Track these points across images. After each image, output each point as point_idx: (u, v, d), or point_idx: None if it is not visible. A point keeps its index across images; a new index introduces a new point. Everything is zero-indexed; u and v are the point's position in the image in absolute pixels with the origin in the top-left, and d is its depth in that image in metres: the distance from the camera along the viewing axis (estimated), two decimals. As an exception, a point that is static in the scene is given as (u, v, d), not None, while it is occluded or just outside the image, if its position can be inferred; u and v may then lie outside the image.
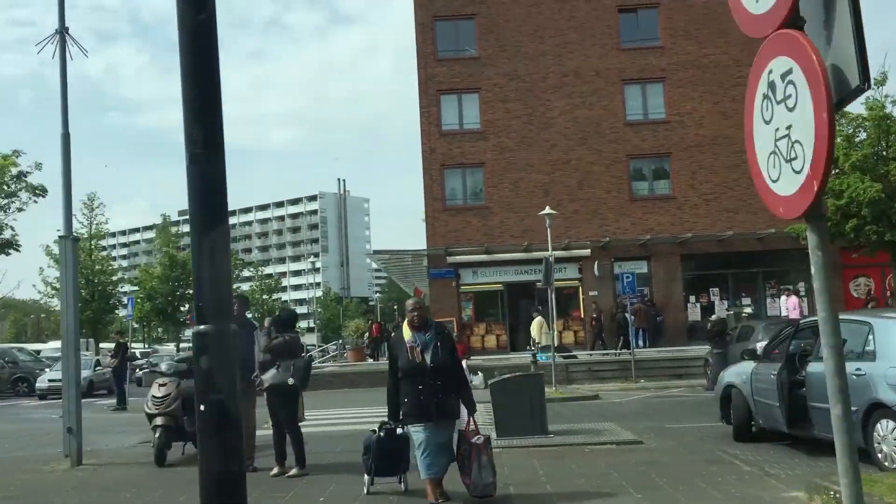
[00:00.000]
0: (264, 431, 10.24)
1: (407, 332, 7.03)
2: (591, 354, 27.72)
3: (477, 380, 21.35)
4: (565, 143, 31.44)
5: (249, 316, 14.19)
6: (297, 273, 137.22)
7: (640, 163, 31.88)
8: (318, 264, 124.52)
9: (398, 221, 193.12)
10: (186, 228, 17.17)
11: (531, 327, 27.95)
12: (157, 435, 10.09)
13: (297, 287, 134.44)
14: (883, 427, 7.63)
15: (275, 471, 9.03)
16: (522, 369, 18.02)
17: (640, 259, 30.94)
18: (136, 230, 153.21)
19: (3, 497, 8.36)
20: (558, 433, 10.97)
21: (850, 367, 7.85)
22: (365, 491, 7.55)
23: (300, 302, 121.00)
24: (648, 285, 30.96)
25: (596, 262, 30.57)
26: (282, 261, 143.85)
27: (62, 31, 10.91)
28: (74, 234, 11.43)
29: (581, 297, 31.29)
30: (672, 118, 31.53)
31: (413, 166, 42.66)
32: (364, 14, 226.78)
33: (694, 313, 31.15)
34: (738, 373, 10.62)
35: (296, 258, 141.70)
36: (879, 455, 7.62)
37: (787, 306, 25.74)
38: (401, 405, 6.95)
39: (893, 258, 24.15)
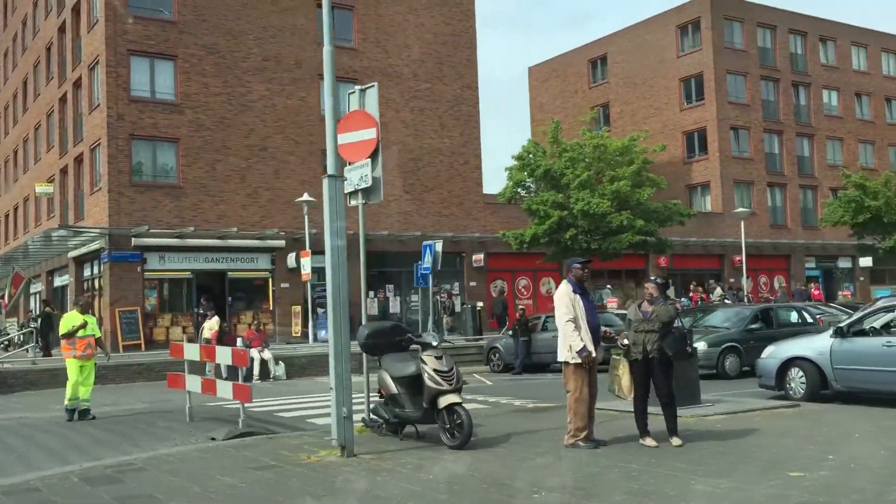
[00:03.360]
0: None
1: None
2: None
3: (280, 370, 19.98)
4: (263, 130, 30.44)
5: None
6: None
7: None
8: None
9: None
10: None
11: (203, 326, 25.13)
12: (456, 418, 8.69)
13: None
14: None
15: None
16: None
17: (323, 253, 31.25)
18: None
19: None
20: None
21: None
22: None
23: None
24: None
25: (290, 255, 30.11)
26: None
27: None
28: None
29: (271, 288, 30.51)
30: (362, 119, 32.57)
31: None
32: None
33: (372, 307, 32.56)
34: (807, 347, 12.78)
35: None
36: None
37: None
38: None
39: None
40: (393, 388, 9.42)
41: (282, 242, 30.00)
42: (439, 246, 19.55)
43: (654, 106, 44.82)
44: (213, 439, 10.31)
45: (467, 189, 34.77)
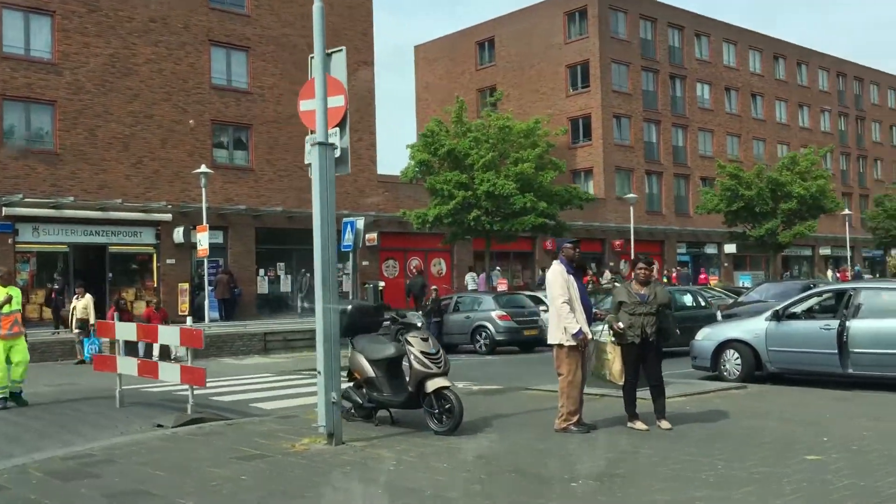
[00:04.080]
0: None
1: None
2: (245, 326, 25.81)
3: (182, 350, 18.72)
4: (149, 96, 28.64)
5: None
6: None
7: (223, 130, 30.84)
8: None
9: None
10: None
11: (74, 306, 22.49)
12: (445, 402, 8.30)
13: None
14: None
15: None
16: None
17: (217, 229, 29.92)
18: None
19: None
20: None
21: None
22: None
23: None
24: (224, 256, 30.27)
25: (177, 229, 28.58)
26: None
27: None
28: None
29: (156, 264, 28.86)
30: (254, 90, 31.30)
31: None
32: None
33: (262, 286, 31.48)
34: (742, 330, 13.10)
35: None
36: None
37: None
38: None
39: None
40: (370, 371, 8.93)
41: (168, 216, 28.42)
42: (361, 223, 18.92)
43: (541, 91, 45.43)
44: (159, 426, 9.48)
45: (361, 167, 34.04)
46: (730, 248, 46.72)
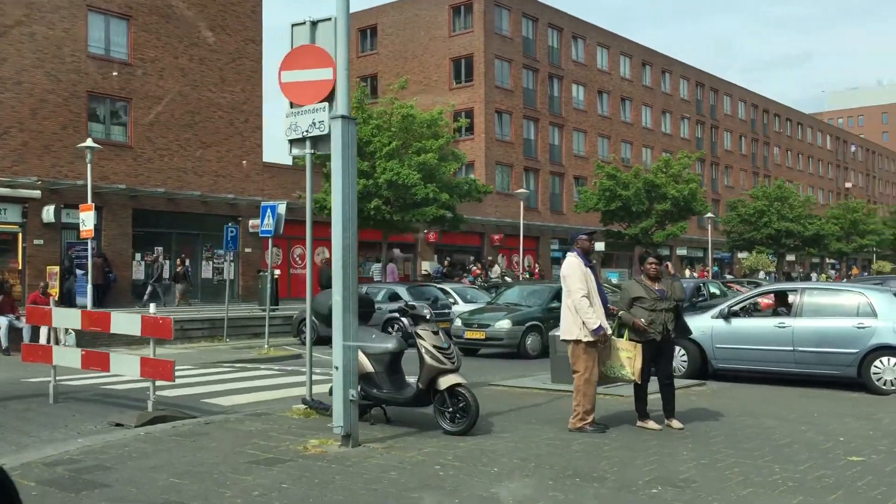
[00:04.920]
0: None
1: None
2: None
3: (71, 339, 17.04)
4: (19, 61, 26.14)
5: None
6: None
7: (100, 102, 28.59)
8: None
9: None
10: None
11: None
12: (459, 400, 7.75)
13: None
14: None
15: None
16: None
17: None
18: None
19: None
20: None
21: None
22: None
23: None
24: (98, 238, 28.07)
25: (47, 207, 26.27)
26: None
27: None
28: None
29: (21, 245, 26.39)
30: (135, 62, 29.22)
31: None
32: None
33: (139, 271, 29.49)
34: (693, 328, 12.91)
35: None
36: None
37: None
38: None
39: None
40: (368, 366, 8.27)
41: (37, 193, 26.06)
42: (283, 208, 17.89)
43: (424, 82, 45.10)
44: (118, 425, 8.46)
45: (247, 149, 32.60)
46: (599, 247, 48.16)
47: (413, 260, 39.59)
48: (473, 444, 7.35)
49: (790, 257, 53.96)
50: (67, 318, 9.52)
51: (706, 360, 13.06)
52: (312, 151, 9.23)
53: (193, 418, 8.75)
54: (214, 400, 10.42)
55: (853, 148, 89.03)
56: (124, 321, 9.04)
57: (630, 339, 8.18)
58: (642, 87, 56.05)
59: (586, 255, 8.27)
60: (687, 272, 50.40)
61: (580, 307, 7.93)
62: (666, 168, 39.18)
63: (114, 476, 6.07)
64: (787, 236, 50.17)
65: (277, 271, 27.35)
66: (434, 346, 7.85)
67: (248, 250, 32.30)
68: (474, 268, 33.98)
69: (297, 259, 34.61)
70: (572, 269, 8.09)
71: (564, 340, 8.23)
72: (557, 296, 18.21)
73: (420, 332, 7.95)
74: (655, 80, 57.55)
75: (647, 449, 7.25)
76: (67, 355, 9.40)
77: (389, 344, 8.29)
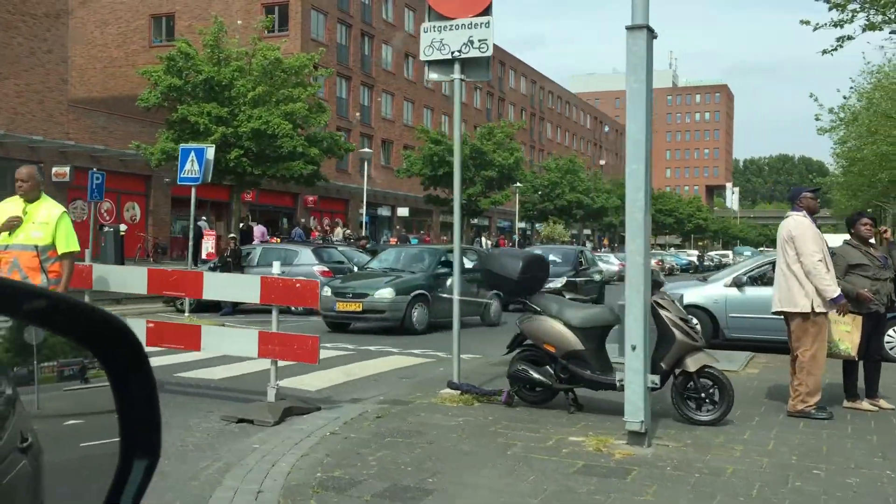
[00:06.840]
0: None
1: None
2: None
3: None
4: None
5: None
6: None
7: None
8: None
9: None
10: None
11: None
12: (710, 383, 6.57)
13: None
14: None
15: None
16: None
17: None
18: None
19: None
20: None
21: None
22: None
23: None
24: None
25: None
26: None
27: None
28: None
29: None
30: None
31: None
32: None
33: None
34: (701, 296, 12.54)
35: None
36: None
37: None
38: None
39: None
40: (575, 342, 6.71)
41: None
42: (211, 152, 14.89)
43: (231, 27, 41.27)
44: (242, 421, 6.25)
45: (50, 85, 27.82)
46: (402, 212, 47.59)
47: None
48: (752, 436, 6.15)
49: (587, 230, 56.73)
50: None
51: (717, 328, 12.69)
52: (462, 77, 7.41)
53: (316, 409, 6.72)
54: (188, 374, 8.19)
55: (606, 129, 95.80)
56: (224, 281, 6.64)
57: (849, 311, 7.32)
58: (442, 53, 55.82)
59: (812, 213, 7.27)
60: (484, 241, 51.30)
61: (816, 272, 6.89)
62: (490, 136, 39.16)
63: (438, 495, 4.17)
64: (577, 207, 52.57)
65: (124, 226, 23.59)
66: (681, 319, 6.50)
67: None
68: (313, 230, 31.78)
69: (105, 214, 30.29)
70: (803, 230, 7.04)
71: (781, 312, 7.16)
72: (443, 262, 16.10)
73: (659, 301, 6.54)
74: (453, 48, 57.58)
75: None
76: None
77: (605, 315, 6.80)
